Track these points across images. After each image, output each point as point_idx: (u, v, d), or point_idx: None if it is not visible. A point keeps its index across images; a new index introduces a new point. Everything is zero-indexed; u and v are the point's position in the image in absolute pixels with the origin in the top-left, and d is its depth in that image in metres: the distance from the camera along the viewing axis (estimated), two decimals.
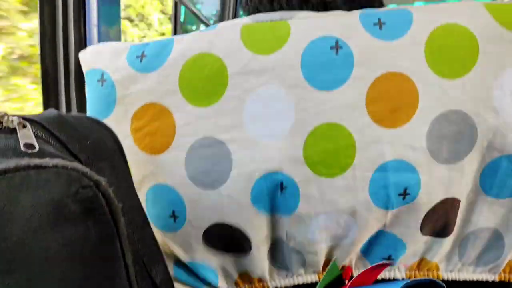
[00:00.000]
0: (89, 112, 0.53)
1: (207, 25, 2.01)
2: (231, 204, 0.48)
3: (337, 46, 0.46)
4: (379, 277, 0.52)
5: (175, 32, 1.75)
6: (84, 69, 0.54)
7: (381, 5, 0.56)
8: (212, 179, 0.48)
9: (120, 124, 0.51)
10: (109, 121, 0.51)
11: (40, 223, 0.31)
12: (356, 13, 0.48)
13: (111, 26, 0.78)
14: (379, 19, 0.47)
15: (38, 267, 0.30)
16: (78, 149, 0.40)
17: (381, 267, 0.48)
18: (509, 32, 0.45)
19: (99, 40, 0.73)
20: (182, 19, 1.87)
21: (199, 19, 1.92)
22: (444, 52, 0.45)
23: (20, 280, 0.29)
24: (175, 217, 0.49)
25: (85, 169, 0.34)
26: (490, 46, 0.45)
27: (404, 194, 0.45)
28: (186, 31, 1.93)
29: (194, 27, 2.17)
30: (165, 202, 0.49)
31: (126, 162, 0.45)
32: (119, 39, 0.81)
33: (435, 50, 0.45)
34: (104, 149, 0.43)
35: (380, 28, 0.46)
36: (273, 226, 0.49)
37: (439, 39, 0.45)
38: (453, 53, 0.45)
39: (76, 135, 0.41)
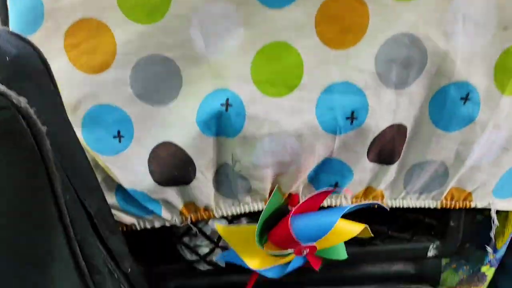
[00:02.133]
0: (12, 28, 0.48)
1: None
2: (179, 121, 0.47)
3: None
4: (326, 205, 0.53)
5: None
6: None
7: None
8: (161, 95, 0.47)
9: (50, 40, 0.47)
10: (36, 38, 0.47)
11: None
12: None
13: None
14: None
15: None
16: None
17: (326, 193, 0.49)
18: None
19: None
20: None
21: None
22: None
23: None
24: (120, 137, 0.48)
25: (1, 88, 0.31)
26: None
27: (352, 118, 0.45)
28: None
29: None
30: (109, 123, 0.47)
31: (55, 84, 0.42)
32: None
33: None
34: (27, 68, 0.40)
35: None
36: (218, 149, 0.49)
37: None
38: None
39: None
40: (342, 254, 0.53)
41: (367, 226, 0.49)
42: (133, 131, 0.48)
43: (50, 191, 0.36)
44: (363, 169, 0.51)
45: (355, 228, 0.48)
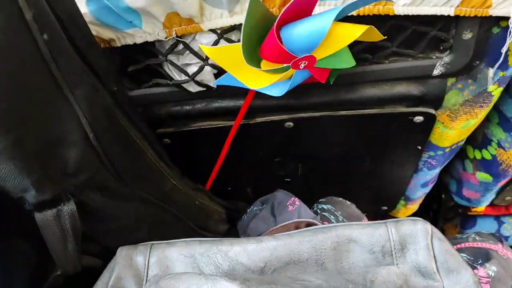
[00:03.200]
0: None
1: None
2: None
3: None
4: None
5: None
6: None
7: None
8: None
9: None
10: None
11: None
12: None
13: None
14: None
15: None
16: None
17: None
18: None
19: None
20: None
21: None
22: None
23: None
24: None
25: None
26: None
27: None
28: None
29: None
30: None
31: None
32: None
33: None
34: None
35: None
36: None
37: None
38: None
39: None
40: (348, 61, 0.49)
41: (373, 27, 0.44)
42: None
43: None
44: None
45: (355, 30, 0.43)
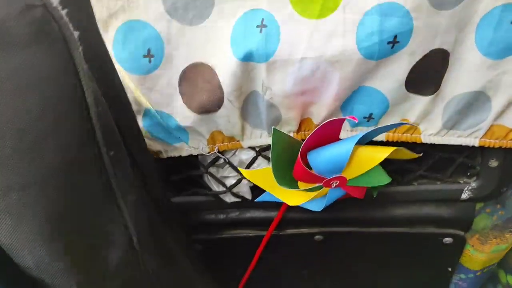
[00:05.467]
0: None
1: None
2: (210, 42, 0.47)
3: None
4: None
5: None
6: None
7: None
8: (191, 14, 0.46)
9: None
10: None
11: None
12: None
13: None
14: None
15: None
16: None
17: (339, 121, 0.47)
18: None
19: None
20: None
21: None
22: None
23: None
24: (150, 56, 0.47)
25: None
26: None
27: (394, 42, 0.44)
28: None
29: None
30: (140, 40, 0.47)
31: None
32: None
33: None
34: None
35: None
36: (248, 74, 0.48)
37: None
38: None
39: None
40: (381, 179, 0.52)
41: (403, 148, 0.48)
42: (164, 50, 0.47)
43: (82, 100, 0.36)
44: (400, 99, 0.50)
45: (383, 152, 0.47)
